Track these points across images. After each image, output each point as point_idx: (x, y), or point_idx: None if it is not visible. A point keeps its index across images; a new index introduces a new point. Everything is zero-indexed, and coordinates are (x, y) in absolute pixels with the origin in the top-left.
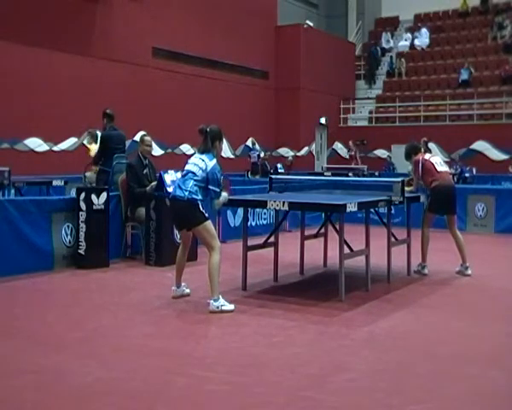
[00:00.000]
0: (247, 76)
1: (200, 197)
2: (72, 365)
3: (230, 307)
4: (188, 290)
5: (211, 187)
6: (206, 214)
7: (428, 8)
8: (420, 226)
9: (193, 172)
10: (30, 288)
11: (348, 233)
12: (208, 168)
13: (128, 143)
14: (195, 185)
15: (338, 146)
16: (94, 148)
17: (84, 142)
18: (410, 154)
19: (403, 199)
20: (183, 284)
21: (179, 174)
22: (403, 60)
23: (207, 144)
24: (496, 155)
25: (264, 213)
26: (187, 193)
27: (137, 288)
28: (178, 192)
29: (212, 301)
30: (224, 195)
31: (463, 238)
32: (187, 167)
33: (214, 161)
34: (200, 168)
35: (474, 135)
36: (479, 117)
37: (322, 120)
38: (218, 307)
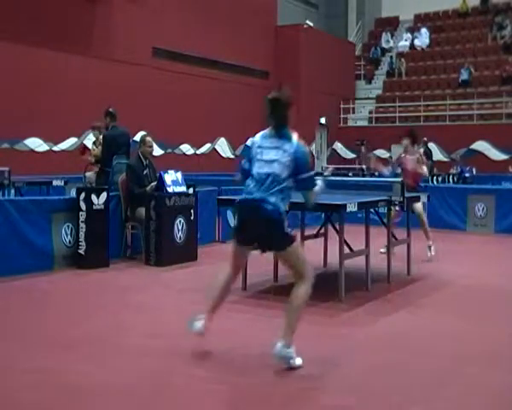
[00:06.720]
0: (247, 76)
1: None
2: (71, 365)
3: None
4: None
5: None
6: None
7: (428, 8)
8: (419, 226)
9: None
10: (30, 288)
11: (348, 233)
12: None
13: None
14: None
15: (338, 146)
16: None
17: (90, 139)
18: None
19: (403, 199)
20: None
21: (179, 174)
22: (403, 60)
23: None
24: (496, 155)
25: None
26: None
27: (137, 288)
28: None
29: (281, 345)
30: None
31: (463, 238)
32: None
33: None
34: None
35: (474, 135)
36: (479, 117)
37: (322, 120)
38: (287, 357)
